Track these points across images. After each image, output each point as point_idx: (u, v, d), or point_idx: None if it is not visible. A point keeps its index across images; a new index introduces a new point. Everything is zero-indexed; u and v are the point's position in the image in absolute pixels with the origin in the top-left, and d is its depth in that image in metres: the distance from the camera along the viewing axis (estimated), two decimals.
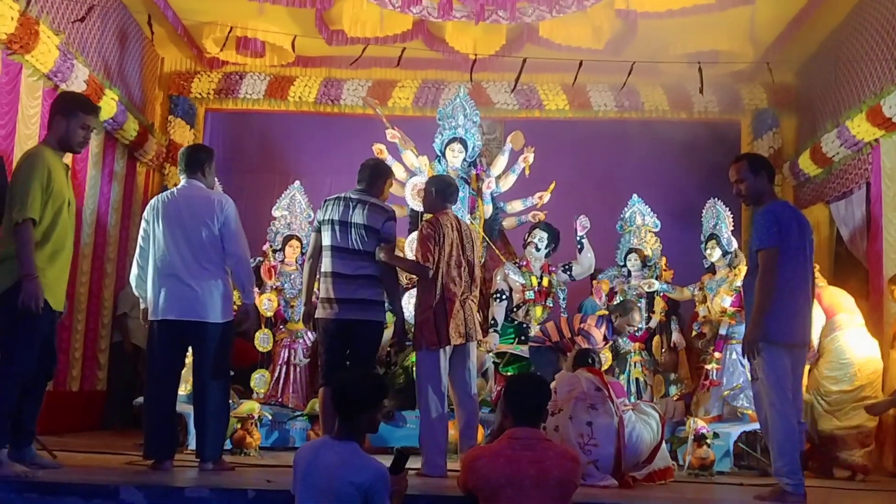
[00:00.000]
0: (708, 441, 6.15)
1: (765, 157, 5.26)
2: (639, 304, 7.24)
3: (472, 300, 5.56)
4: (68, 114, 4.65)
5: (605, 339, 6.78)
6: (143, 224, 5.13)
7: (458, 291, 5.40)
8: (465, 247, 5.49)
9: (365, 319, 5.30)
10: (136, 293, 5.19)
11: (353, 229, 5.31)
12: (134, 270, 5.13)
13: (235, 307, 5.27)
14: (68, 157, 4.93)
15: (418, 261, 5.39)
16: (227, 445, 5.96)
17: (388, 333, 7.14)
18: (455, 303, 5.36)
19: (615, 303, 7.37)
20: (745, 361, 4.77)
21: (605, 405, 5.20)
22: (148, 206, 5.18)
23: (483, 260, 7.36)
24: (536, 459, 3.48)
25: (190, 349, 5.10)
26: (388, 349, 7.25)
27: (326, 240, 5.37)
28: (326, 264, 5.36)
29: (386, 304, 5.57)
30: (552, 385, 5.34)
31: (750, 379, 4.79)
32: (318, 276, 5.43)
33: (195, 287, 4.91)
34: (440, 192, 5.57)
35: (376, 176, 5.53)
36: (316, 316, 5.44)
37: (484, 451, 3.66)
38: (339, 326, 5.32)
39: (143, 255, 5.07)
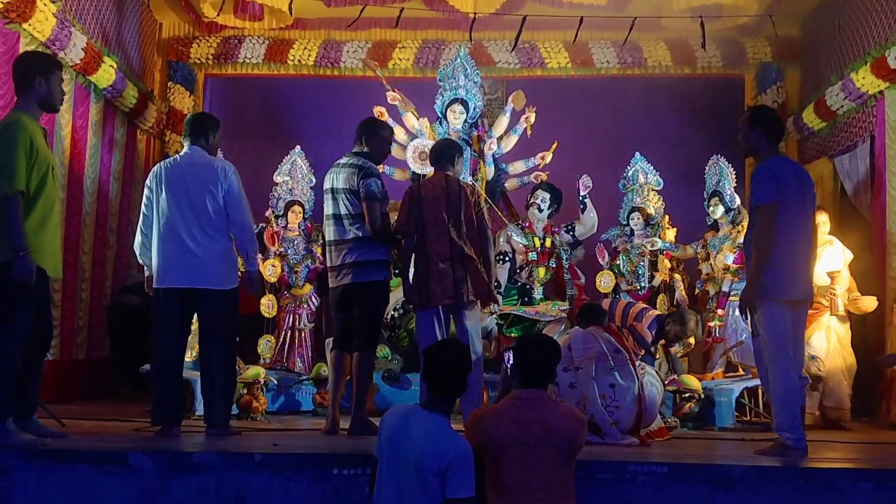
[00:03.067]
0: (685, 395, 6.27)
1: (774, 113, 5.04)
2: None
3: (471, 259, 5.24)
4: (48, 73, 4.55)
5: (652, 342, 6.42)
6: (145, 191, 5.11)
7: (441, 250, 5.20)
8: (450, 204, 5.26)
9: (361, 282, 5.31)
10: (141, 261, 5.21)
11: (339, 195, 5.35)
12: (138, 238, 5.14)
13: (239, 274, 5.29)
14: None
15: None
16: (234, 410, 6.02)
17: (395, 296, 7.23)
18: (437, 262, 5.19)
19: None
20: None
21: (626, 367, 5.22)
22: (150, 174, 5.16)
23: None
24: (542, 419, 3.48)
25: (196, 316, 5.13)
26: (393, 312, 7.27)
27: (325, 209, 5.46)
28: (326, 234, 5.44)
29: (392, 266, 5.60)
30: (565, 340, 5.36)
31: (752, 335, 4.79)
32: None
33: (199, 254, 4.93)
34: (434, 156, 5.53)
35: (365, 133, 5.48)
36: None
37: (489, 411, 3.66)
38: (338, 293, 5.40)
39: (147, 223, 5.07)
